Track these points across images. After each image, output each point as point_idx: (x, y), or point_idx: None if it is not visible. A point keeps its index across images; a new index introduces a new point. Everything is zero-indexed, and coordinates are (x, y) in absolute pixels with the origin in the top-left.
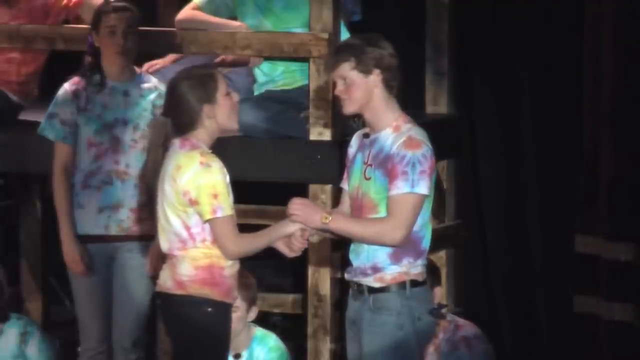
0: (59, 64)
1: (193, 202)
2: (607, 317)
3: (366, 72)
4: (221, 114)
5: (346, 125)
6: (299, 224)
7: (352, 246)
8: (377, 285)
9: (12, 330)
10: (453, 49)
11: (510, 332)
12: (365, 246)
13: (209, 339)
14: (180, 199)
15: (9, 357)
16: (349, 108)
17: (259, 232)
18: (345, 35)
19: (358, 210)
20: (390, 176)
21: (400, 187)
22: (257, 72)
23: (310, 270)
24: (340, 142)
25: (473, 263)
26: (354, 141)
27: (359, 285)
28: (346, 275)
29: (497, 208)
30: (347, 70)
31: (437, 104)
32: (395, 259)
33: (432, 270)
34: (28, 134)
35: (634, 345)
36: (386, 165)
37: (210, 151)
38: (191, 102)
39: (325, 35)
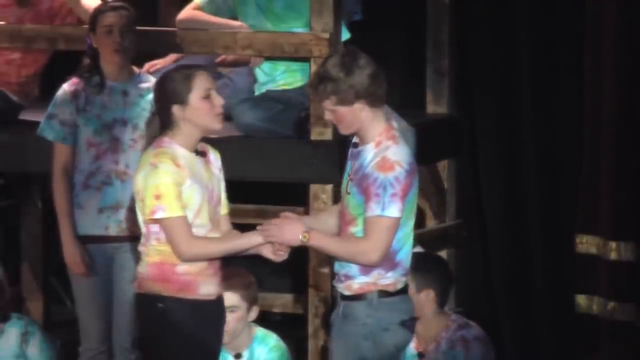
0: (60, 64)
1: (143, 202)
2: (607, 317)
3: (349, 103)
4: (194, 116)
5: None
6: (264, 239)
7: None
8: (346, 293)
9: (13, 330)
10: (454, 49)
11: (511, 331)
12: None
13: (166, 335)
14: (136, 197)
15: (10, 356)
16: (344, 131)
17: (220, 237)
18: (345, 35)
19: (342, 219)
20: (365, 196)
21: (373, 209)
22: (258, 72)
23: (311, 270)
24: (341, 142)
25: (474, 263)
26: (352, 145)
27: (336, 290)
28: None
29: (497, 208)
30: (330, 105)
31: (438, 103)
32: (365, 270)
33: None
34: (28, 134)
35: (635, 345)
36: (362, 184)
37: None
38: (163, 101)
39: (326, 35)
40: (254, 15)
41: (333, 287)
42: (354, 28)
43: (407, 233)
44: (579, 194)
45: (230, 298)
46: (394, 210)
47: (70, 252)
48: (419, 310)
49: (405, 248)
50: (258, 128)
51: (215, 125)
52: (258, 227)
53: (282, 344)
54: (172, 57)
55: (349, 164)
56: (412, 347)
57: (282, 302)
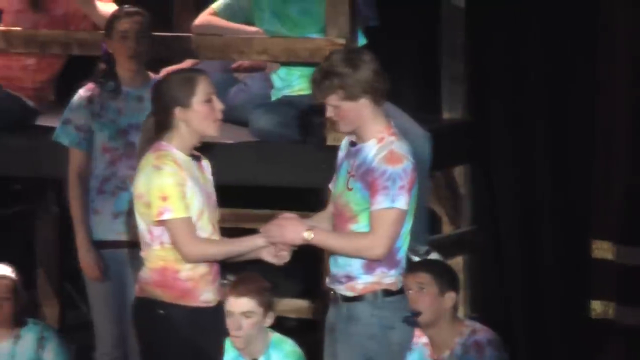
0: (75, 69)
1: (147, 205)
2: (622, 322)
3: (355, 98)
4: (195, 119)
5: None
6: (267, 240)
7: (332, 254)
8: (349, 294)
9: (30, 336)
10: (469, 54)
11: (526, 337)
12: None
13: (163, 341)
14: (138, 201)
15: None
16: (344, 129)
17: (226, 239)
18: (362, 40)
19: (339, 218)
20: (371, 190)
21: (381, 202)
22: (274, 78)
23: (325, 275)
24: None
25: (489, 268)
26: (344, 145)
27: (335, 293)
28: (327, 281)
29: (512, 213)
30: (336, 100)
31: (453, 109)
32: (369, 268)
33: (450, 276)
34: (44, 139)
35: None
36: (367, 179)
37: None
38: (164, 103)
39: (342, 41)
40: (269, 20)
41: (328, 290)
42: (369, 33)
43: (407, 231)
44: (594, 199)
45: (247, 304)
46: (402, 202)
47: (85, 257)
48: (437, 314)
49: (404, 247)
50: (274, 133)
51: (213, 130)
52: (260, 229)
53: (298, 349)
54: (188, 62)
55: (345, 162)
56: (427, 356)
57: (297, 307)
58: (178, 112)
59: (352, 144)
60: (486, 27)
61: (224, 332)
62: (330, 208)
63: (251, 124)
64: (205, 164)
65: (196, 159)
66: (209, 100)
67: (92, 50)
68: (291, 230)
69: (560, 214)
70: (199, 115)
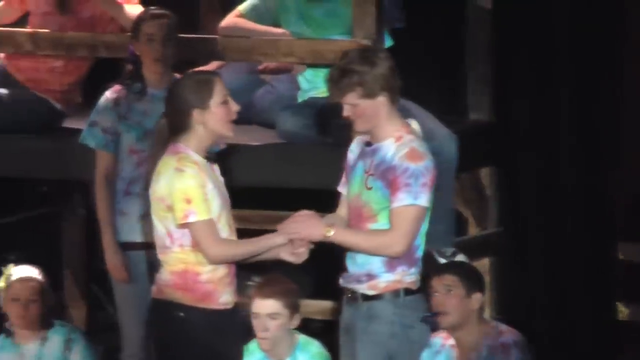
0: (102, 71)
1: (169, 208)
2: None
3: (373, 96)
4: (212, 121)
5: None
6: (287, 236)
7: (349, 253)
8: (370, 292)
9: (57, 337)
10: (494, 55)
11: (552, 339)
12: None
13: (181, 343)
14: (159, 204)
15: None
16: (361, 128)
17: (245, 239)
18: (388, 42)
19: (357, 219)
20: (392, 188)
21: (403, 199)
22: (301, 80)
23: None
24: None
25: (515, 270)
26: (355, 146)
27: (353, 292)
28: (340, 282)
29: (538, 215)
30: (355, 99)
31: (479, 111)
32: (390, 267)
33: (477, 277)
34: (71, 141)
35: None
36: (387, 177)
37: (196, 157)
38: (182, 105)
39: (368, 42)
40: (295, 22)
41: (345, 290)
42: (396, 35)
43: (425, 230)
44: (620, 200)
45: (273, 305)
46: (424, 199)
47: (112, 259)
48: (464, 316)
49: (422, 245)
50: (300, 135)
51: (228, 131)
52: (278, 227)
53: (324, 351)
54: (214, 64)
55: (359, 163)
56: (455, 358)
57: (323, 308)
58: (196, 113)
59: (367, 144)
60: (512, 28)
61: (241, 334)
62: (342, 210)
63: (278, 126)
64: (215, 166)
65: (210, 160)
66: (225, 102)
67: (118, 53)
68: (310, 226)
69: (586, 216)
70: (216, 117)
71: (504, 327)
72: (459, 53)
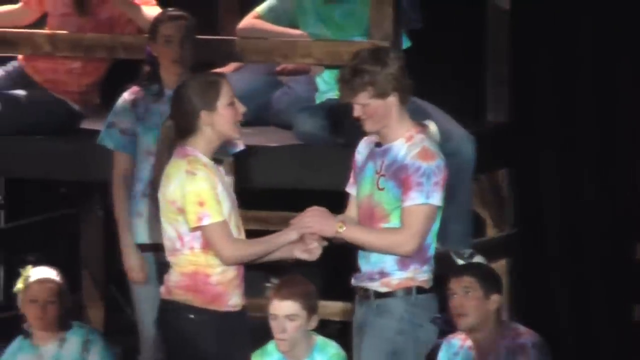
0: (120, 73)
1: (181, 211)
2: None
3: (384, 95)
4: (220, 123)
5: None
6: (299, 231)
7: (361, 252)
8: (383, 290)
9: (75, 339)
10: (513, 56)
11: (570, 340)
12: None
13: (190, 345)
14: (170, 207)
15: None
16: (371, 128)
17: (258, 239)
18: (406, 43)
19: (368, 219)
20: (404, 187)
21: (415, 198)
22: (319, 81)
23: None
24: None
25: (533, 272)
26: (363, 147)
27: (366, 290)
28: (353, 281)
29: (556, 216)
30: (366, 98)
31: (498, 112)
32: (403, 265)
33: (494, 278)
34: (89, 143)
35: None
36: (399, 176)
37: (204, 159)
38: (189, 107)
39: (386, 44)
40: (313, 23)
41: (358, 289)
42: (413, 36)
43: (437, 229)
44: (639, 202)
45: (290, 306)
46: (436, 198)
47: (129, 260)
48: (482, 317)
49: (434, 244)
50: (318, 137)
51: (235, 133)
52: (290, 222)
53: (342, 352)
54: (232, 66)
55: (369, 163)
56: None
57: (341, 310)
58: (204, 115)
59: (377, 144)
60: (531, 29)
61: (248, 336)
62: (351, 210)
63: (295, 127)
64: (221, 167)
65: (217, 162)
66: (232, 103)
67: (137, 54)
68: (323, 221)
69: (605, 217)
70: (224, 118)
71: (521, 328)
72: (477, 54)
